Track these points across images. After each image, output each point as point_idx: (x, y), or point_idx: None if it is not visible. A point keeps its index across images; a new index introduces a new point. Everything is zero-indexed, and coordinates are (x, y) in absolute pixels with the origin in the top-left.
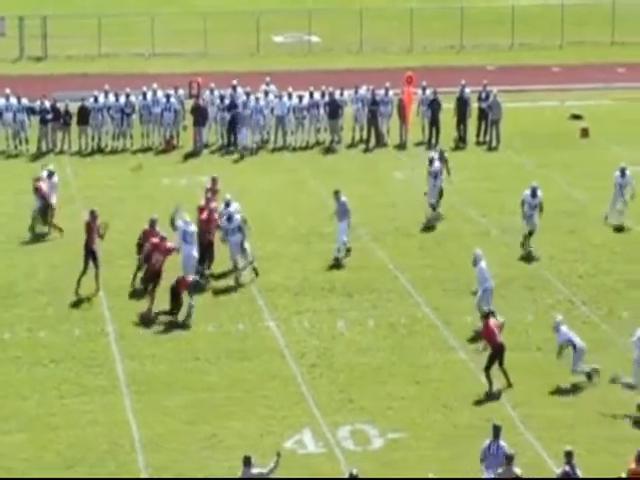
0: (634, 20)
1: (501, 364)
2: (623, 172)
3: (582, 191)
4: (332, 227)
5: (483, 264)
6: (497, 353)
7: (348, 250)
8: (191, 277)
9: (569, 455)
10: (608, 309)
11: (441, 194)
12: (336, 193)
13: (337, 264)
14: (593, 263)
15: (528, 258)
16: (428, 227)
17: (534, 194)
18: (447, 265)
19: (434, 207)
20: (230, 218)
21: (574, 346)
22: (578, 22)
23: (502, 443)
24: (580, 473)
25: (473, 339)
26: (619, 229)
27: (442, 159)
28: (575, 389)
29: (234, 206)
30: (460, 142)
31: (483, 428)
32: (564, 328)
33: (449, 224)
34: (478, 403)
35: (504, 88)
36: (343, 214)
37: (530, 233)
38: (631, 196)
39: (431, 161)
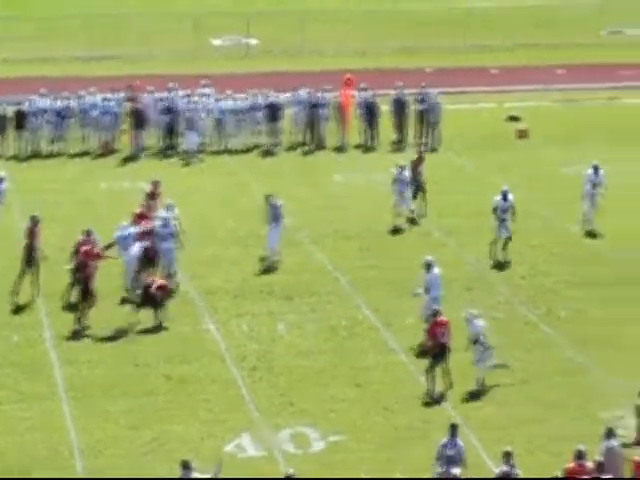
0: (572, 22)
1: (444, 365)
2: (596, 170)
3: (521, 192)
4: (273, 231)
5: (437, 270)
6: (439, 354)
7: (272, 254)
8: (170, 284)
9: (508, 455)
10: (547, 309)
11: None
12: (267, 197)
13: (276, 267)
14: (531, 264)
15: (500, 265)
16: (396, 230)
17: (505, 198)
18: (387, 267)
19: (412, 210)
20: (165, 223)
21: (480, 341)
22: (517, 24)
23: (460, 442)
24: (520, 473)
25: (415, 342)
26: (592, 234)
27: (421, 160)
28: (510, 389)
29: (175, 212)
30: (399, 144)
31: (424, 430)
32: (477, 321)
33: (389, 225)
34: (419, 405)
35: (443, 90)
36: (275, 218)
37: (507, 239)
38: (602, 196)
39: (402, 168)
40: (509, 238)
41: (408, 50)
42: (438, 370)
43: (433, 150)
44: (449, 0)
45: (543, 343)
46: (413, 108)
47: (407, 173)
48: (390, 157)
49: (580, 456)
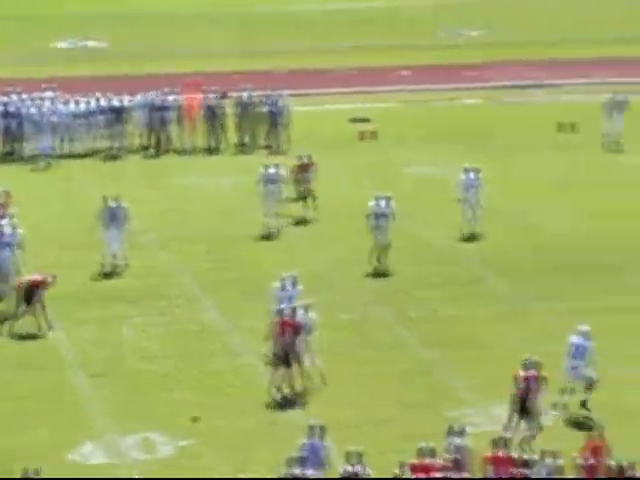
0: (416, 23)
1: (288, 365)
2: (471, 173)
3: (370, 193)
4: (112, 234)
5: (300, 287)
6: (284, 353)
7: (115, 258)
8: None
9: (352, 455)
10: (398, 310)
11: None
12: (104, 200)
13: (121, 271)
14: (384, 265)
15: (380, 274)
16: (266, 236)
17: (386, 204)
18: (235, 269)
19: (276, 214)
20: (2, 233)
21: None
22: (361, 26)
23: (319, 443)
24: (371, 473)
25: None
26: (472, 237)
27: (308, 166)
28: (361, 389)
29: (14, 220)
30: (243, 147)
31: (273, 432)
32: (303, 311)
33: (236, 228)
34: (268, 407)
35: (293, 92)
36: (115, 221)
37: (385, 247)
38: (477, 201)
39: (277, 167)
40: (388, 245)
41: (256, 52)
42: (287, 371)
43: (282, 152)
44: (297, 3)
45: (396, 343)
46: (260, 110)
47: (282, 172)
48: (236, 160)
49: (427, 453)
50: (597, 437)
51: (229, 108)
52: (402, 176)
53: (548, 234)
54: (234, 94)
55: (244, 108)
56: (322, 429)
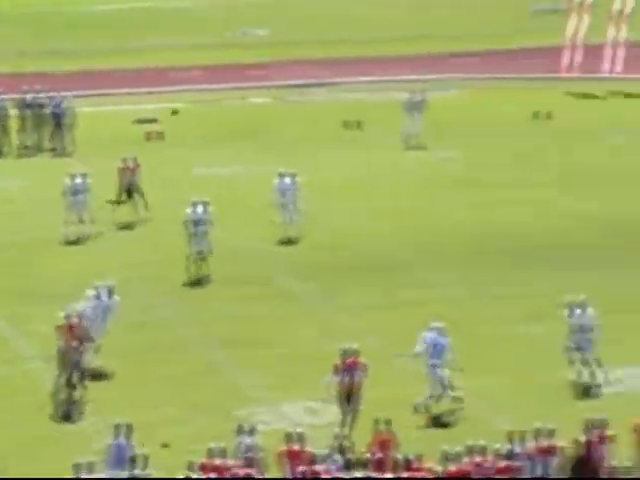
0: (204, 23)
1: (70, 376)
2: (286, 178)
3: (160, 193)
4: None
5: (117, 298)
6: (62, 356)
7: None
8: None
9: (143, 458)
10: (192, 311)
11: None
12: None
13: None
14: (174, 266)
15: (198, 282)
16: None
17: (204, 210)
18: (20, 274)
19: (81, 220)
20: None
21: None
22: (148, 25)
23: (130, 443)
24: (153, 473)
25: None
26: (289, 241)
27: (135, 169)
28: (147, 391)
29: None
30: (27, 149)
31: (59, 438)
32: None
33: (22, 232)
34: (55, 412)
35: (78, 93)
36: None
37: (203, 254)
38: (294, 205)
39: (73, 176)
40: (208, 252)
41: (38, 53)
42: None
43: (67, 154)
44: (84, 3)
45: (187, 344)
46: (44, 112)
47: (89, 181)
48: (20, 162)
49: (217, 454)
50: (385, 431)
51: (11, 110)
52: (191, 177)
53: (340, 234)
54: (16, 95)
55: (27, 109)
56: (129, 428)
